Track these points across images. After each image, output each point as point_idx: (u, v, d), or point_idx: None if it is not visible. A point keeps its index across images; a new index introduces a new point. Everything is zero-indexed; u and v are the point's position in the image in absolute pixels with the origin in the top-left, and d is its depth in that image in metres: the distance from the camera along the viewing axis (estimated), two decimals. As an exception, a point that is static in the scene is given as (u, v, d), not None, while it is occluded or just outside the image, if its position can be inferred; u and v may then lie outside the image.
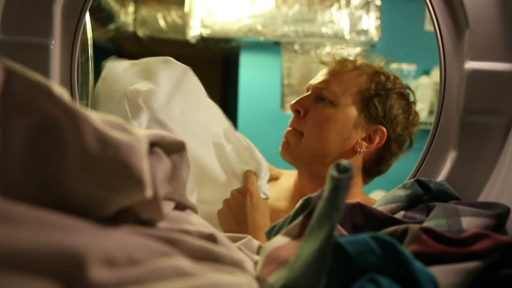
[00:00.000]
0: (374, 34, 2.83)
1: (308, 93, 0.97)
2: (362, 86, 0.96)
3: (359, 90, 0.95)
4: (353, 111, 0.95)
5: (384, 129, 0.95)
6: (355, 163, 0.96)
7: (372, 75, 0.97)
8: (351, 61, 0.99)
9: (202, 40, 2.81)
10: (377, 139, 0.95)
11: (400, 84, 0.99)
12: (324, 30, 2.77)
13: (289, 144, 0.95)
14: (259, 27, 2.73)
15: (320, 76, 0.99)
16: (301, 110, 0.95)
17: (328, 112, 0.93)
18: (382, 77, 0.97)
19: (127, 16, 2.67)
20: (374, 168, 0.99)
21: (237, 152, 0.83)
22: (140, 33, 2.80)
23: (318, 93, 0.95)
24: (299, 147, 0.94)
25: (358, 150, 0.94)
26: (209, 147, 0.81)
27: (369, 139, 0.96)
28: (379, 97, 0.95)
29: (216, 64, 3.78)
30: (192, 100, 0.82)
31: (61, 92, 0.30)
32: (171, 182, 0.40)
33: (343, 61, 0.99)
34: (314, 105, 0.95)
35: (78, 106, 0.30)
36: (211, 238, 0.42)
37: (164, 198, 0.39)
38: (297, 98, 0.97)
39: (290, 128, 0.97)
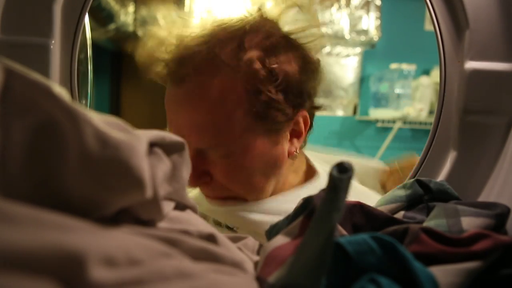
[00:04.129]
0: (374, 34, 2.83)
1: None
2: (239, 99, 0.68)
3: (242, 108, 0.68)
4: (257, 133, 0.69)
5: (302, 111, 0.74)
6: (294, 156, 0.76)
7: (243, 68, 0.68)
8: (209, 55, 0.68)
9: (202, 40, 2.80)
10: (303, 125, 0.75)
11: (274, 40, 0.71)
12: (324, 30, 2.77)
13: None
14: (259, 27, 2.72)
15: (176, 112, 0.71)
16: (207, 179, 0.72)
17: (236, 161, 0.70)
18: (256, 64, 0.68)
19: (127, 16, 2.67)
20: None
21: None
22: (140, 33, 2.80)
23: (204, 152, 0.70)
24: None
25: (295, 151, 0.75)
26: None
27: (296, 133, 0.75)
28: (265, 86, 0.67)
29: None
30: None
31: (61, 92, 0.30)
32: (171, 182, 0.40)
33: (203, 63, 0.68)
34: (213, 161, 0.71)
35: (78, 106, 0.30)
36: (211, 238, 0.42)
37: (164, 198, 0.39)
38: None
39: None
